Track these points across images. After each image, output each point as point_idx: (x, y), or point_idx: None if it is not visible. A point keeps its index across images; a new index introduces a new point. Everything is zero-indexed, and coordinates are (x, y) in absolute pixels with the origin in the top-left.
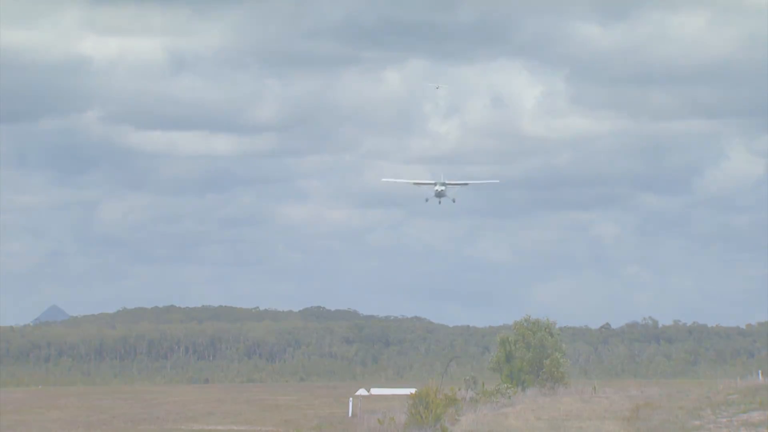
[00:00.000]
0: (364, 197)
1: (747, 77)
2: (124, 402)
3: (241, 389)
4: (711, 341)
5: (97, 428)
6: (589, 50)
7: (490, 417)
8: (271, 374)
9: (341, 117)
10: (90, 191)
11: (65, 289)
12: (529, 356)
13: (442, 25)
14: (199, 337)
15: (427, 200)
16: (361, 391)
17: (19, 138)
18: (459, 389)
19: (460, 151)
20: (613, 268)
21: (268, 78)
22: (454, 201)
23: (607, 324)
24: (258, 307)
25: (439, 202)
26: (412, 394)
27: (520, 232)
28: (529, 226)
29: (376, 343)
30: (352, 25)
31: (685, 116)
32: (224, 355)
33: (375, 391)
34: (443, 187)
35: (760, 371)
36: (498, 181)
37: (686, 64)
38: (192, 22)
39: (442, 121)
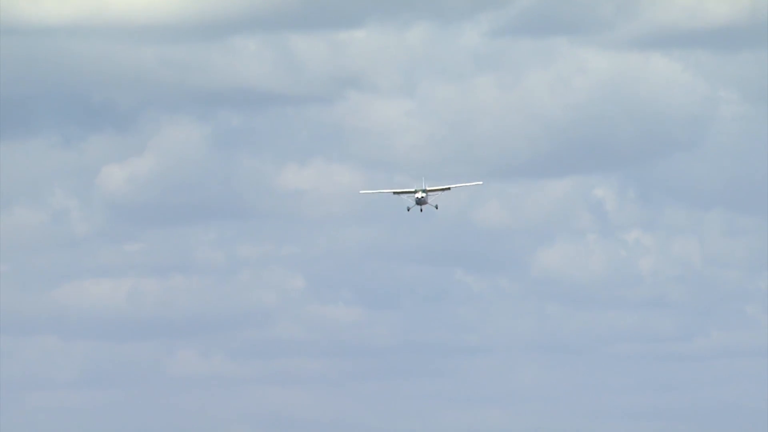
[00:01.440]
0: None
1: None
2: None
3: None
4: None
5: None
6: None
7: None
8: None
9: None
10: None
11: None
12: None
13: None
14: None
15: (408, 209)
16: None
17: None
18: None
19: None
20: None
21: None
22: (436, 208)
23: None
24: None
25: (421, 210)
26: None
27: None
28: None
29: None
30: None
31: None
32: None
33: None
34: (424, 194)
35: None
36: (481, 182)
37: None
38: None
39: None
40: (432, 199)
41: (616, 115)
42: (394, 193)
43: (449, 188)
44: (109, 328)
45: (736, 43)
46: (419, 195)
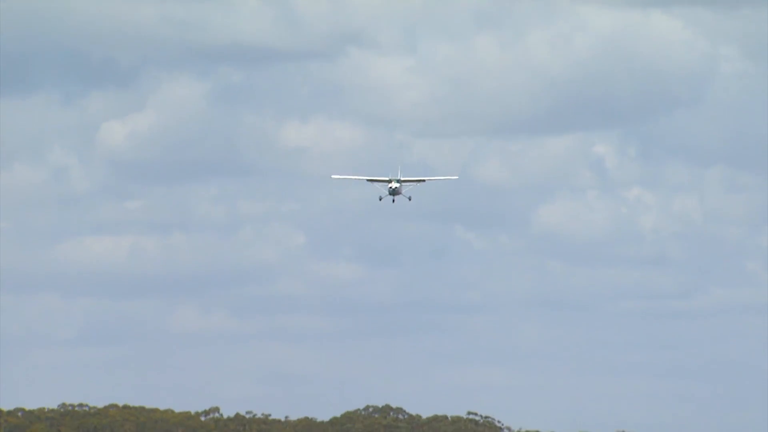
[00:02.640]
0: None
1: None
2: None
3: None
4: None
5: None
6: None
7: None
8: None
9: None
10: None
11: None
12: None
13: None
14: None
15: (381, 199)
16: None
17: None
18: None
19: None
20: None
21: None
22: (410, 199)
23: None
24: None
25: (393, 201)
26: None
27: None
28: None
29: None
30: None
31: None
32: None
33: None
34: (398, 184)
35: None
36: (456, 177)
37: None
38: None
39: None
40: (406, 189)
41: (616, 73)
42: (368, 180)
43: (424, 180)
44: (110, 286)
45: (736, 0)
46: (393, 185)
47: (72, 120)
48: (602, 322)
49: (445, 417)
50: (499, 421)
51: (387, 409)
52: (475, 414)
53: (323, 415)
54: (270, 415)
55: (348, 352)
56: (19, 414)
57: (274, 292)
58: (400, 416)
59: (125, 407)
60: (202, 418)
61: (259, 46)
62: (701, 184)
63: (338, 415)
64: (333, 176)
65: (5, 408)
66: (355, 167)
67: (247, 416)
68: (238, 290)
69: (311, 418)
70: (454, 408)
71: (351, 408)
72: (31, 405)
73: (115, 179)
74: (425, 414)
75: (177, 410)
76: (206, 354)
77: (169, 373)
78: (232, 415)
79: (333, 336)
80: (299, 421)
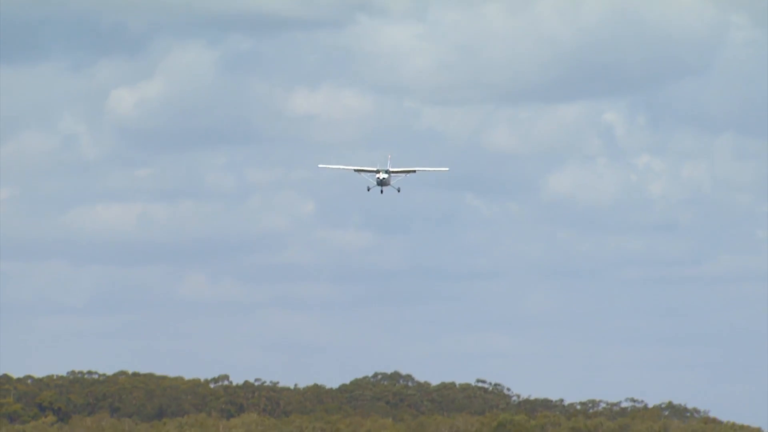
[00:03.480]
0: None
1: None
2: None
3: None
4: None
5: None
6: None
7: None
8: None
9: None
10: None
11: None
12: None
13: None
14: None
15: (369, 189)
16: None
17: None
18: None
19: None
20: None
21: None
22: (399, 191)
23: None
24: None
25: (381, 192)
26: None
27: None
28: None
29: None
30: None
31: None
32: None
33: None
34: (386, 175)
35: None
36: (447, 169)
37: None
38: None
39: None
40: (395, 181)
41: (625, 41)
42: (355, 170)
43: (414, 171)
44: (119, 253)
45: None
46: (381, 176)
47: (81, 87)
48: (611, 288)
49: (453, 384)
50: (507, 388)
51: (396, 376)
52: (484, 381)
53: (332, 383)
54: (279, 382)
55: (357, 319)
56: (29, 381)
57: (283, 259)
58: (409, 384)
59: (134, 374)
60: (212, 386)
61: (269, 14)
62: (710, 152)
63: (347, 382)
64: (320, 166)
65: (15, 375)
66: (365, 135)
67: (256, 384)
68: (247, 258)
69: (320, 386)
70: (463, 375)
71: (360, 375)
72: (40, 372)
73: (125, 147)
74: (434, 381)
75: (186, 377)
76: (215, 321)
77: (178, 341)
78: (241, 382)
79: (342, 304)
80: (308, 388)
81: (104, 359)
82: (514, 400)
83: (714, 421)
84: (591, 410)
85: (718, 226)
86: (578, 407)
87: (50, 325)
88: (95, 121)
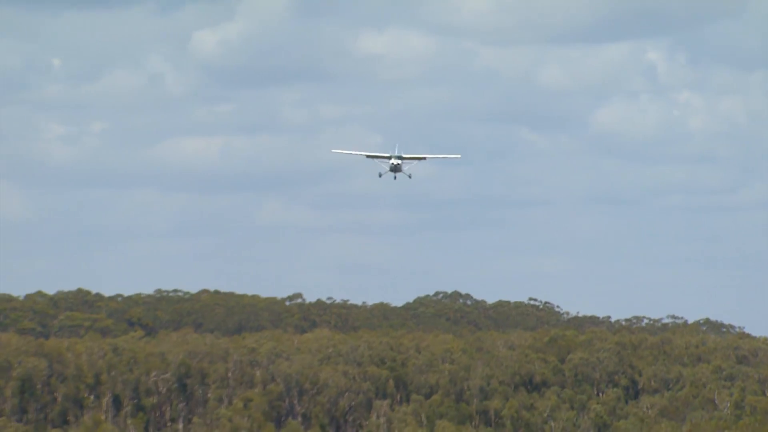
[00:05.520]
0: None
1: None
2: None
3: None
4: None
5: None
6: None
7: None
8: None
9: None
10: None
11: None
12: None
13: None
14: None
15: (380, 175)
16: None
17: None
18: None
19: None
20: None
21: None
22: (410, 177)
23: None
24: None
25: (395, 178)
26: None
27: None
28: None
29: None
30: None
31: None
32: None
33: None
34: (399, 161)
35: None
36: (459, 156)
37: None
38: None
39: None
40: (407, 167)
41: None
42: (367, 156)
43: (425, 158)
44: (202, 182)
45: None
46: (394, 162)
47: (167, 29)
48: (653, 215)
49: (508, 303)
50: (557, 306)
51: (456, 295)
52: (536, 300)
53: (397, 301)
54: (348, 300)
55: (420, 243)
56: (119, 299)
57: (351, 188)
58: (468, 302)
59: (216, 293)
60: (287, 303)
61: None
62: (746, 88)
63: (411, 300)
64: (333, 150)
65: (106, 294)
66: (426, 74)
67: (328, 302)
68: (320, 187)
69: (386, 304)
70: (517, 294)
71: (422, 294)
72: (129, 291)
73: (206, 84)
74: (490, 300)
75: (263, 296)
76: (290, 245)
77: (256, 262)
78: (313, 300)
79: (406, 229)
80: (375, 306)
81: (188, 279)
82: (564, 317)
83: (748, 336)
84: (635, 326)
85: (753, 157)
86: (623, 323)
87: (139, 248)
88: (179, 60)
